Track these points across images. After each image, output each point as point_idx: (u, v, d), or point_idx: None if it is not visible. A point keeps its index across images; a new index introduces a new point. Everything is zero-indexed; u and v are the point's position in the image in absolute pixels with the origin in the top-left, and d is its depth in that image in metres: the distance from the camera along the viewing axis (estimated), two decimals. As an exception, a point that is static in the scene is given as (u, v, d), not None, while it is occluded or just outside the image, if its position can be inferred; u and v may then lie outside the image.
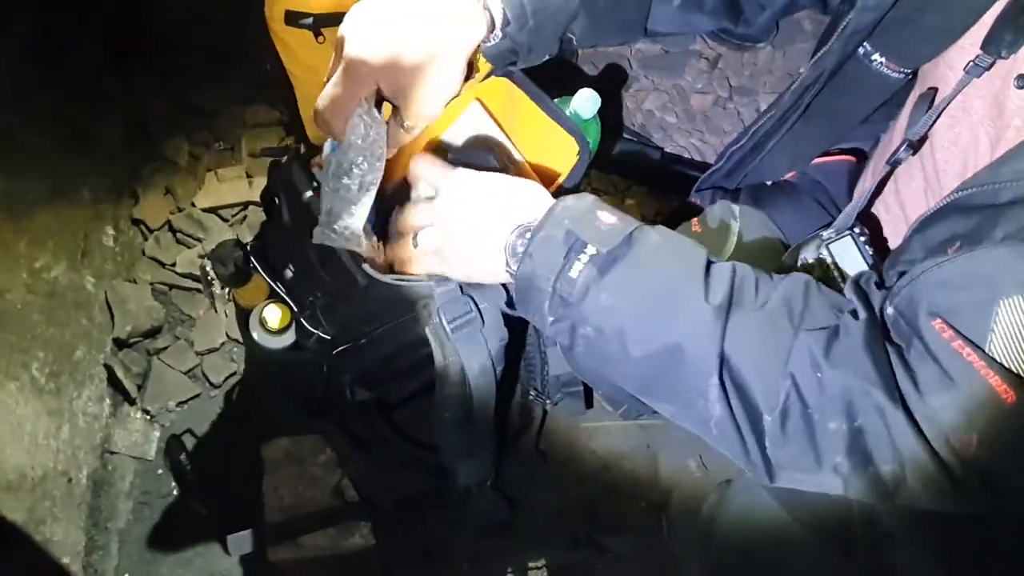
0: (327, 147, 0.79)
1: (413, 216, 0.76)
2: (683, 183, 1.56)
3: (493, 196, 0.70)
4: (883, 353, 0.58)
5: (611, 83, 1.79)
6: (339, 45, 0.67)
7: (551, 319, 0.65)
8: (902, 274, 0.61)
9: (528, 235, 0.65)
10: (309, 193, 0.84)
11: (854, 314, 0.61)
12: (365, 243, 0.78)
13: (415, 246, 0.76)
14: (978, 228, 0.58)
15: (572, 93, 0.98)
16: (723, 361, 0.59)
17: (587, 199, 0.66)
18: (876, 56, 0.81)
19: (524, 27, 0.70)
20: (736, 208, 1.00)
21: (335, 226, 0.76)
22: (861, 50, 0.82)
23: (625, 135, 1.72)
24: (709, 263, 0.63)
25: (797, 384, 0.58)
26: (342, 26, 0.67)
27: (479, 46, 0.71)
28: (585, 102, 0.96)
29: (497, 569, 1.24)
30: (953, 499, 0.56)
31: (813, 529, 0.67)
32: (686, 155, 1.72)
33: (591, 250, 0.61)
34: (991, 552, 0.63)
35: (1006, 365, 0.53)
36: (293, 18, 0.87)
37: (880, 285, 0.64)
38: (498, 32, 0.70)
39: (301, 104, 1.01)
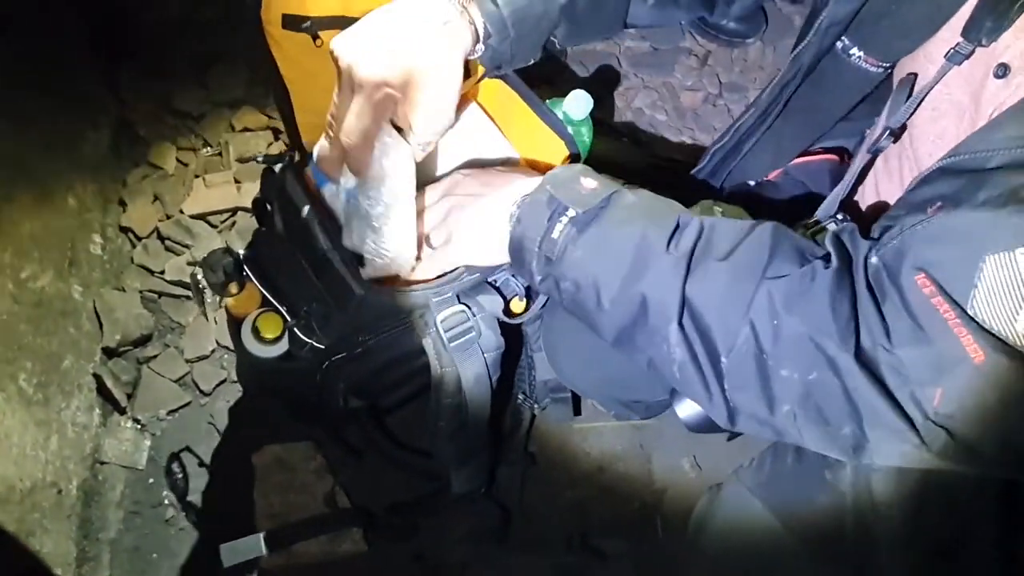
0: (344, 183, 0.78)
1: (423, 222, 0.80)
2: (674, 181, 1.57)
3: (494, 177, 0.78)
4: (847, 305, 0.59)
5: (601, 82, 1.79)
6: (347, 74, 0.67)
7: (539, 277, 0.71)
8: (887, 229, 0.62)
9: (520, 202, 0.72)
10: (307, 208, 0.83)
11: (826, 260, 0.62)
12: (410, 262, 0.80)
13: (429, 246, 0.80)
14: (962, 190, 0.59)
15: (564, 94, 0.98)
16: (683, 307, 0.63)
17: (575, 168, 0.71)
18: (854, 50, 0.81)
19: (506, 39, 0.71)
20: (718, 207, 1.00)
21: (380, 250, 0.77)
22: (839, 44, 0.82)
23: (615, 134, 1.73)
24: (680, 218, 0.66)
25: (755, 329, 0.60)
26: (344, 53, 0.67)
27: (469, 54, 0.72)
28: (577, 103, 0.96)
29: (491, 574, 1.24)
30: (920, 454, 0.57)
31: (802, 536, 0.68)
32: (677, 153, 1.72)
33: (571, 212, 0.67)
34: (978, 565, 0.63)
35: (985, 324, 0.54)
36: (291, 22, 0.87)
37: (866, 237, 0.65)
38: (480, 45, 0.71)
39: (297, 110, 1.00)
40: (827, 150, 1.03)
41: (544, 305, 0.92)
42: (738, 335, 0.61)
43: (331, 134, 0.72)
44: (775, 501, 0.71)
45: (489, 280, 0.89)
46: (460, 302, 0.85)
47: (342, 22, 0.84)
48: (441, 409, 0.89)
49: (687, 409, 0.83)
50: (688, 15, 0.91)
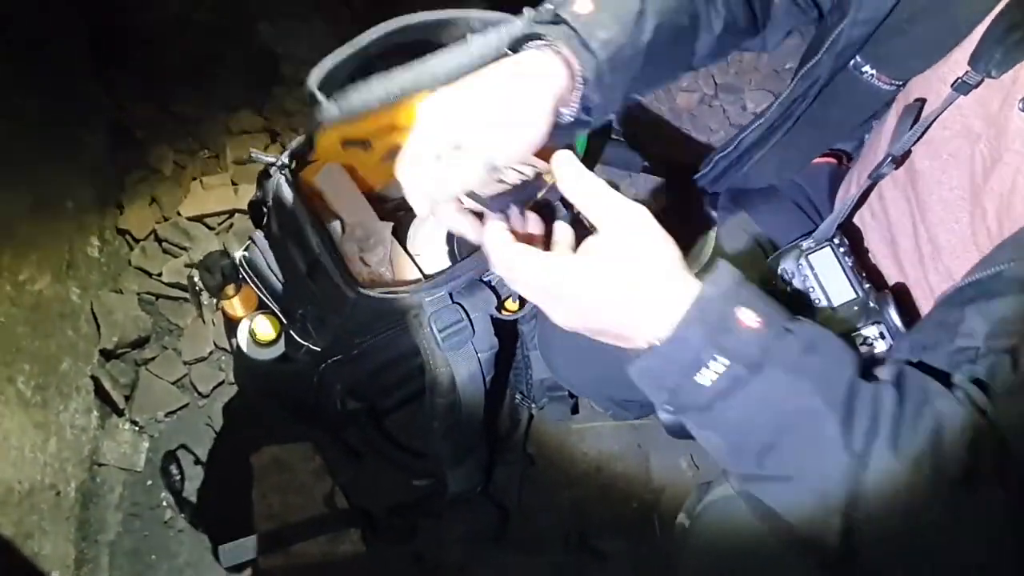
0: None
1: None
2: (670, 182, 1.57)
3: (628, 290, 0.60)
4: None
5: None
6: (435, 128, 0.64)
7: (668, 408, 0.62)
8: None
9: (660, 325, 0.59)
10: (302, 211, 0.83)
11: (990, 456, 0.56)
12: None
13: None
14: None
15: None
16: (852, 498, 0.56)
17: (728, 285, 0.58)
18: (867, 68, 0.80)
19: (599, 87, 0.69)
20: (714, 213, 1.00)
21: None
22: (851, 62, 0.81)
23: (611, 135, 1.73)
24: (852, 384, 0.57)
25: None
26: (435, 110, 0.65)
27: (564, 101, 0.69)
28: None
29: (490, 574, 1.24)
30: None
31: (788, 541, 0.67)
32: (674, 153, 1.73)
33: (724, 362, 0.56)
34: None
35: None
36: (349, 143, 0.88)
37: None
38: (576, 94, 0.69)
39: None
40: (825, 153, 1.03)
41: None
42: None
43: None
44: (760, 505, 0.71)
45: (483, 279, 0.89)
46: (453, 301, 0.85)
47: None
48: (436, 408, 0.90)
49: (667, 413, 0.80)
50: (739, 47, 0.87)
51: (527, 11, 0.76)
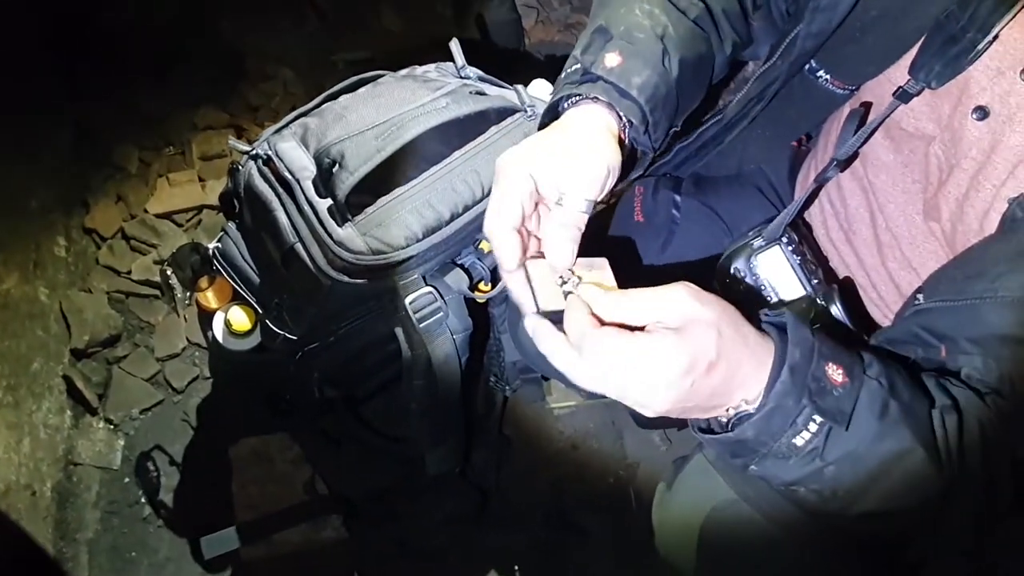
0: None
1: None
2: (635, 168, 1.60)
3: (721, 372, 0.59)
4: None
5: (560, 71, 1.80)
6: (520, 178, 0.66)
7: (754, 469, 0.62)
8: None
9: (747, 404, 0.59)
10: (274, 201, 0.84)
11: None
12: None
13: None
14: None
15: (526, 83, 1.00)
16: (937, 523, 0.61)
17: (809, 345, 0.59)
18: (821, 73, 0.83)
19: (644, 126, 0.72)
20: (678, 198, 1.02)
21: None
22: (807, 66, 0.83)
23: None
24: (930, 415, 0.60)
25: None
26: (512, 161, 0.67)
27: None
28: (540, 92, 0.98)
29: (471, 556, 1.27)
30: None
31: (762, 512, 0.68)
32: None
33: (819, 420, 0.58)
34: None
35: None
36: None
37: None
38: (626, 139, 0.73)
39: None
40: None
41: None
42: None
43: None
44: (735, 477, 0.73)
45: (456, 260, 0.91)
46: (427, 284, 0.87)
47: None
48: (413, 390, 0.91)
49: None
50: (742, 58, 0.90)
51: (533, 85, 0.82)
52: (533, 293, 0.61)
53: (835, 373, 0.58)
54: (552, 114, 0.74)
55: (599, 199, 0.67)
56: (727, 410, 0.60)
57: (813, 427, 0.57)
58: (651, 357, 0.55)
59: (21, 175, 1.36)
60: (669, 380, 0.55)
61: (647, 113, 0.71)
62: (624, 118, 0.71)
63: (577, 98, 0.71)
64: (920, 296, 0.67)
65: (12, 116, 1.37)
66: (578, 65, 0.73)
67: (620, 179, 0.71)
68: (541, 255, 0.65)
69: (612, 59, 0.71)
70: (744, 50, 0.87)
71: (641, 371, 0.55)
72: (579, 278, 0.63)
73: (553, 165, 0.65)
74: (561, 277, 0.63)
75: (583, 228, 0.65)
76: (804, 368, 0.58)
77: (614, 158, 0.67)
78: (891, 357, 0.65)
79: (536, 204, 0.67)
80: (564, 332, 0.59)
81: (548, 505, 1.31)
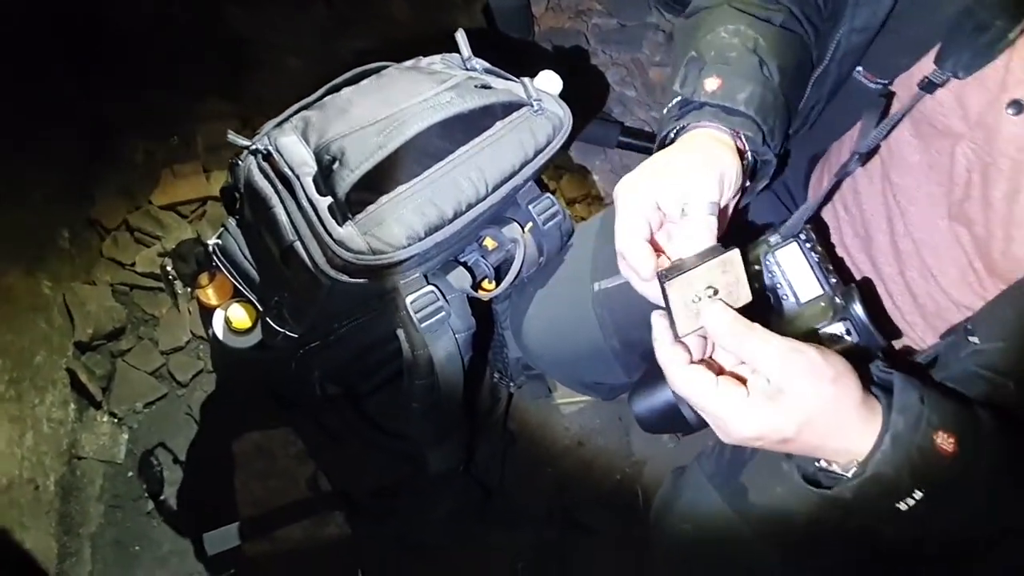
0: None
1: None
2: (644, 157, 1.58)
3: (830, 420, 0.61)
4: None
5: (570, 61, 1.79)
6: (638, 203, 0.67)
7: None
8: None
9: (851, 470, 0.60)
10: (274, 198, 0.83)
11: None
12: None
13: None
14: None
15: (534, 74, 0.98)
16: None
17: (916, 411, 0.58)
18: (858, 67, 0.80)
19: (759, 137, 0.72)
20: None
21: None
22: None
23: (586, 112, 1.73)
24: None
25: None
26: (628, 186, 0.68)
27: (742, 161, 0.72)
28: (547, 83, 0.96)
29: (474, 553, 1.26)
30: None
31: (755, 529, 0.69)
32: (647, 128, 1.73)
33: (919, 496, 0.57)
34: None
35: None
36: None
37: None
38: (747, 152, 0.73)
39: None
40: None
41: (513, 282, 0.92)
42: None
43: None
44: (732, 489, 0.72)
45: (459, 259, 0.89)
46: (429, 283, 0.85)
47: None
48: (415, 390, 0.90)
49: (642, 406, 0.78)
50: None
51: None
52: (671, 315, 0.63)
53: (945, 443, 0.57)
54: (660, 148, 0.75)
55: (722, 201, 0.68)
56: (829, 463, 0.61)
57: (918, 495, 0.57)
58: (728, 412, 0.59)
59: (25, 167, 1.35)
60: (738, 438, 0.60)
61: (760, 123, 0.71)
62: (738, 133, 0.71)
63: (681, 129, 0.72)
64: (974, 338, 0.65)
65: (16, 107, 1.35)
66: (679, 98, 0.74)
67: (749, 189, 0.74)
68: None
69: (711, 83, 0.72)
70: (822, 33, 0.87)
71: (715, 419, 0.61)
72: (714, 290, 0.63)
73: (669, 179, 0.66)
74: (696, 294, 0.63)
75: (715, 230, 0.66)
76: (908, 438, 0.57)
77: (729, 160, 0.68)
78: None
79: (661, 223, 0.68)
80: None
81: (553, 502, 1.30)
